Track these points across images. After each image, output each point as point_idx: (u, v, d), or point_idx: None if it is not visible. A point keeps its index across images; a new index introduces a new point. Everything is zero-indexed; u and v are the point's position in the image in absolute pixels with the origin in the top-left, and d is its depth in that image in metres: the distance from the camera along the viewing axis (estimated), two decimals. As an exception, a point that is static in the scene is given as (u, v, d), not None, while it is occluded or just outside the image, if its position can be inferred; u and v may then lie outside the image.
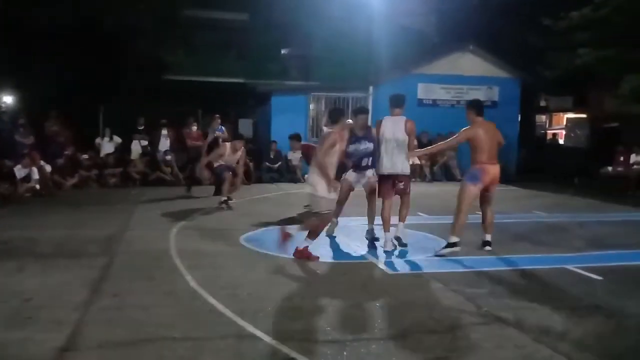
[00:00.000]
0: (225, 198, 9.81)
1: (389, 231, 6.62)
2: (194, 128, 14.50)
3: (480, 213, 6.78)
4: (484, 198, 6.67)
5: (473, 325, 4.20)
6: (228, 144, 10.28)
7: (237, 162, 10.16)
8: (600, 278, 5.55)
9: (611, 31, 14.08)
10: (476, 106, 6.90)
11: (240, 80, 17.31)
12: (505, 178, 15.54)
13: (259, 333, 3.90)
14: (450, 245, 6.37)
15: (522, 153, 17.75)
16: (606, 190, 12.95)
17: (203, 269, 5.60)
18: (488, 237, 6.73)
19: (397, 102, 7.01)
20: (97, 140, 14.21)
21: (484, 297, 4.85)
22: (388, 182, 6.68)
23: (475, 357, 3.61)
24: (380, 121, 6.97)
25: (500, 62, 17.11)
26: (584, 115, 19.65)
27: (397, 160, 6.60)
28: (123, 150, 13.97)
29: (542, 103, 21.77)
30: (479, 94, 17.00)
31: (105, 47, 15.40)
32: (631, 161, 13.76)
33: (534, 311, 4.52)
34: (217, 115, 14.22)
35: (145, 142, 14.08)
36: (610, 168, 14.52)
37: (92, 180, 12.83)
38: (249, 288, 4.98)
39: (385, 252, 6.55)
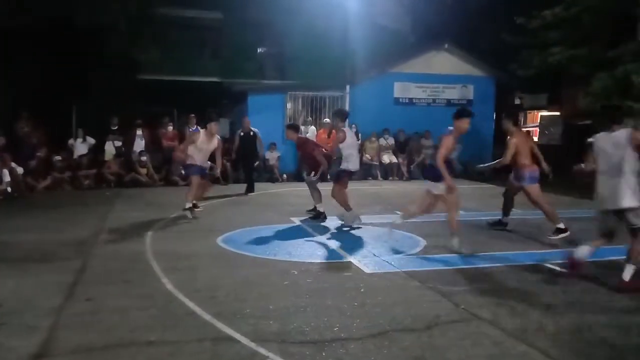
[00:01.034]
0: (190, 205, 8.81)
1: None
2: (170, 128, 14.38)
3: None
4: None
5: (450, 323, 4.22)
6: (202, 131, 9.18)
7: (214, 153, 9.29)
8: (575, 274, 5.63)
9: (582, 30, 14.33)
10: (513, 117, 8.59)
11: (216, 80, 17.19)
12: (481, 176, 15.83)
13: (236, 335, 3.87)
14: (560, 230, 7.35)
15: (497, 151, 17.94)
16: (580, 187, 13.14)
17: (179, 271, 5.54)
18: (561, 225, 7.42)
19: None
20: (70, 141, 13.95)
21: (461, 295, 4.89)
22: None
23: (453, 354, 3.63)
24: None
25: (475, 61, 17.30)
26: (557, 113, 19.93)
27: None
28: (97, 151, 13.74)
29: (517, 101, 22.02)
30: (455, 92, 17.19)
31: (77, 46, 15.14)
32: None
33: (510, 308, 4.57)
34: (193, 115, 14.10)
35: (119, 143, 13.88)
36: (583, 165, 14.73)
37: (66, 182, 12.60)
38: (226, 290, 4.93)
39: (362, 251, 6.56)
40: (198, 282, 5.19)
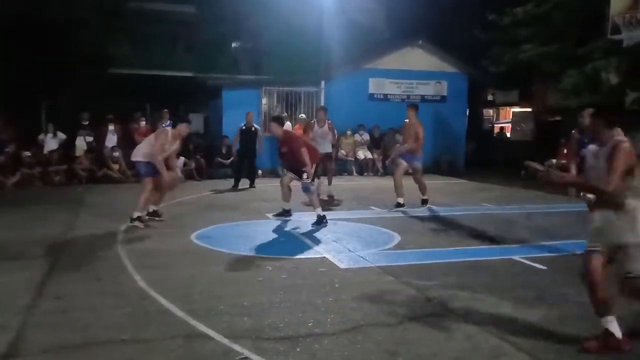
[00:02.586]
0: (140, 214, 7.72)
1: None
2: (142, 123, 14.19)
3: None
4: None
5: (423, 317, 4.26)
6: (170, 130, 8.05)
7: (170, 157, 7.99)
8: (544, 268, 5.75)
9: (552, 27, 14.58)
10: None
11: (190, 74, 17.03)
12: (454, 171, 16.03)
13: (210, 332, 3.85)
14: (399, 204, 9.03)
15: (470, 147, 18.18)
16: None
17: (153, 269, 5.48)
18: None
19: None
20: (40, 136, 13.69)
21: (434, 289, 4.94)
22: None
23: (426, 349, 3.67)
24: None
25: (449, 57, 17.44)
26: (529, 109, 20.26)
27: None
28: (67, 146, 13.51)
29: (490, 97, 22.33)
30: (429, 88, 17.31)
31: (46, 39, 14.82)
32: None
33: (482, 302, 4.64)
34: (166, 110, 13.96)
35: (90, 138, 13.67)
36: (554, 160, 15.02)
37: (36, 178, 12.36)
38: (200, 287, 4.90)
39: (337, 246, 6.58)
40: (172, 279, 5.14)
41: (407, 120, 9.69)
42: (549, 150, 15.48)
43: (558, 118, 18.21)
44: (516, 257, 6.12)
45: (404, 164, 9.59)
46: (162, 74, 16.71)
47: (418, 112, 9.68)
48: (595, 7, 13.35)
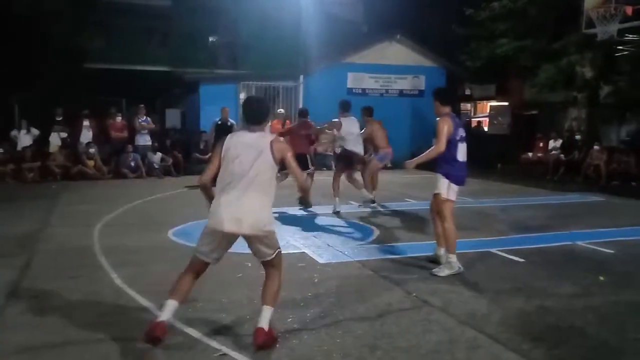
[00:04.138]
0: None
1: None
2: (118, 118, 14.01)
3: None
4: None
5: (402, 310, 4.29)
6: None
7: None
8: (522, 260, 5.82)
9: (528, 22, 14.73)
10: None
11: (166, 69, 16.81)
12: (432, 165, 16.12)
13: (188, 329, 3.82)
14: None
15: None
16: (527, 176, 13.58)
17: (129, 266, 5.41)
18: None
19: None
20: (13, 132, 13.42)
21: (413, 283, 4.97)
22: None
23: (405, 342, 3.69)
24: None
25: (426, 52, 17.53)
26: (506, 104, 20.47)
27: None
28: (41, 142, 13.26)
29: (467, 91, 22.49)
30: (407, 83, 17.39)
31: (18, 33, 14.49)
32: (549, 147, 14.48)
33: (460, 295, 4.68)
34: (142, 105, 13.78)
35: (64, 134, 13.44)
36: (530, 154, 15.24)
37: (8, 175, 12.12)
38: (178, 284, 4.84)
39: (316, 241, 6.58)
40: (149, 276, 5.08)
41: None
42: (525, 144, 15.69)
43: (534, 112, 18.44)
44: (493, 250, 6.19)
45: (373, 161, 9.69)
46: (138, 69, 16.44)
47: (373, 112, 9.98)
48: (569, 2, 13.52)
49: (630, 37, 12.40)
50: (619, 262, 5.87)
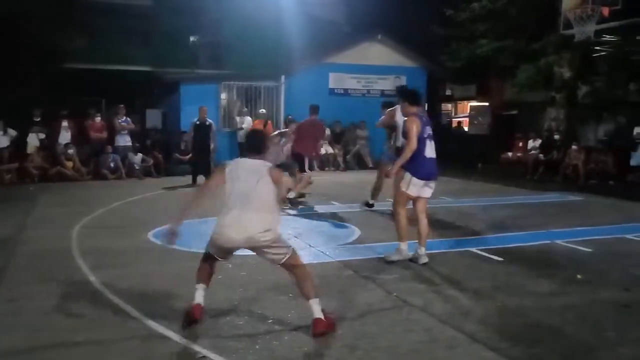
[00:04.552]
0: None
1: None
2: (97, 119, 13.85)
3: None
4: None
5: (383, 310, 4.30)
6: None
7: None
8: (501, 259, 5.87)
9: (508, 22, 14.88)
10: None
11: (147, 69, 16.65)
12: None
13: (168, 333, 3.78)
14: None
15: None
16: (507, 175, 13.71)
17: (108, 269, 5.35)
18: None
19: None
20: (-11, 133, 13.19)
21: (394, 283, 4.99)
22: None
23: (385, 342, 3.70)
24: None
25: (408, 52, 17.61)
26: (486, 104, 20.65)
27: None
28: (19, 144, 13.03)
29: (448, 92, 22.65)
30: (388, 83, 17.44)
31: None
32: (528, 147, 14.64)
33: (440, 294, 4.71)
34: (122, 106, 13.65)
35: (43, 135, 13.23)
36: (510, 154, 15.39)
37: (-15, 176, 11.92)
38: (157, 286, 4.82)
39: (298, 242, 6.57)
40: (128, 279, 5.03)
41: None
42: (505, 143, 15.85)
43: (514, 112, 18.63)
44: (473, 249, 6.24)
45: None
46: (118, 68, 16.25)
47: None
48: (548, 3, 13.69)
49: (607, 37, 12.59)
50: (596, 261, 5.95)
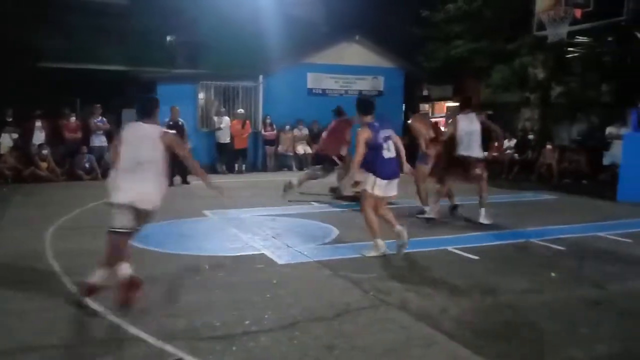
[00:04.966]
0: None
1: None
2: (72, 119, 13.65)
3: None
4: None
5: (360, 309, 4.32)
6: None
7: None
8: (477, 258, 5.93)
9: (483, 24, 15.05)
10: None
11: (123, 68, 16.45)
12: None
13: (143, 335, 3.74)
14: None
15: (406, 141, 18.49)
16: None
17: (83, 271, 5.24)
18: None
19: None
20: (-39, 134, 12.91)
21: (371, 282, 5.00)
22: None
23: (362, 341, 3.71)
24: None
25: (385, 53, 17.68)
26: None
27: None
28: (-9, 144, 12.79)
29: (425, 92, 22.80)
30: (366, 83, 17.51)
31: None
32: (504, 147, 14.82)
33: (417, 293, 4.73)
34: (98, 105, 13.47)
35: (16, 135, 12.99)
36: (486, 153, 15.53)
37: (-44, 178, 11.66)
38: (133, 287, 4.75)
39: (275, 242, 6.57)
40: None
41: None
42: (482, 143, 15.99)
43: (490, 112, 18.82)
44: (450, 248, 6.30)
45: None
46: (93, 68, 16.03)
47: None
48: (522, 4, 13.87)
49: (580, 39, 12.82)
50: (569, 259, 6.05)
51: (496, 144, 15.09)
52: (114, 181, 4.38)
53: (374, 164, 5.86)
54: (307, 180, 10.19)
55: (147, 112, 4.63)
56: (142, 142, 4.41)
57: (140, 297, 4.23)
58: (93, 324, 3.97)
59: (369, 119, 6.03)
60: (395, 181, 6.04)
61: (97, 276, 4.33)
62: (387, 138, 6.00)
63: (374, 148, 5.85)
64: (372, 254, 5.92)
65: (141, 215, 4.44)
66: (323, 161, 10.12)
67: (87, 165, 12.92)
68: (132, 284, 4.22)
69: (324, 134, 10.59)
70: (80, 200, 9.45)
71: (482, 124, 8.15)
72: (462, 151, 7.96)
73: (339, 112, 10.39)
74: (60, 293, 4.63)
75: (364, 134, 5.88)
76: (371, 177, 5.89)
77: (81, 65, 15.76)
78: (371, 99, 6.90)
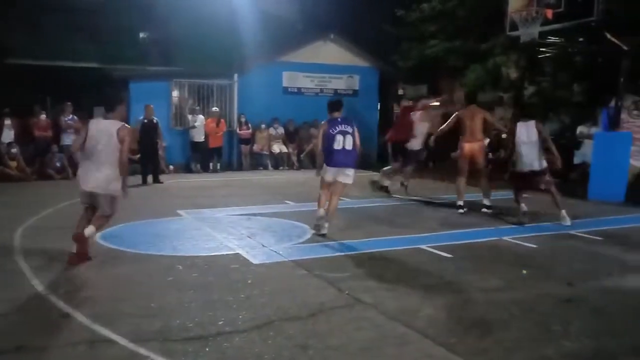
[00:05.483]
0: None
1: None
2: (43, 117, 13.39)
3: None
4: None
5: (334, 309, 4.32)
6: None
7: None
8: (450, 256, 5.99)
9: (457, 23, 15.16)
10: None
11: (95, 65, 16.18)
12: (366, 164, 16.34)
13: (115, 337, 3.68)
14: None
15: (381, 140, 18.57)
16: (457, 173, 13.97)
17: (53, 271, 5.18)
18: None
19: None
20: None
21: (346, 281, 5.01)
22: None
23: (336, 340, 3.71)
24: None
25: (360, 52, 17.73)
26: (437, 103, 20.97)
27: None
28: (-42, 143, 12.47)
29: (400, 92, 22.92)
30: (341, 82, 17.54)
31: None
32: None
33: (391, 291, 4.76)
34: (69, 103, 13.24)
35: (-16, 134, 12.71)
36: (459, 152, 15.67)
37: None
38: (105, 289, 4.70)
39: (250, 242, 6.54)
40: (74, 282, 4.88)
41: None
42: (455, 142, 16.13)
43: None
44: (423, 246, 6.34)
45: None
46: (64, 65, 15.74)
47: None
48: (496, 4, 14.01)
49: (552, 39, 12.99)
50: (540, 256, 6.15)
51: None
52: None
53: (326, 153, 6.98)
54: (396, 175, 10.71)
55: (109, 108, 5.63)
56: (101, 136, 5.38)
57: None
58: (63, 326, 3.89)
59: (335, 115, 7.08)
60: (345, 170, 6.94)
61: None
62: (342, 132, 6.94)
63: (327, 139, 6.93)
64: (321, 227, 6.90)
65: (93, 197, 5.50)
66: (399, 151, 10.60)
67: (58, 164, 12.69)
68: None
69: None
70: (52, 200, 9.27)
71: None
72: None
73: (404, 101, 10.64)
74: (29, 294, 4.54)
75: (322, 127, 7.12)
76: (324, 166, 7.01)
77: (52, 63, 15.48)
78: (337, 99, 7.83)
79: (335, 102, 7.35)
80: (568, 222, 7.72)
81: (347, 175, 6.99)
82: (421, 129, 10.57)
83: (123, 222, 7.51)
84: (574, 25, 10.53)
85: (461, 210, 8.66)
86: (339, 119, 7.07)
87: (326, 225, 6.91)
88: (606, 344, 3.79)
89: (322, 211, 6.99)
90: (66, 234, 6.72)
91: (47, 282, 4.81)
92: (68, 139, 13.22)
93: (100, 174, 5.38)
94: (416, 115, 10.59)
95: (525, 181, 8.09)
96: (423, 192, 11.18)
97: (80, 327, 3.87)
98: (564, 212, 7.83)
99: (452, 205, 9.39)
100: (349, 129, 7.00)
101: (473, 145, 9.08)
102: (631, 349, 3.72)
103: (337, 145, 6.91)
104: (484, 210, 8.75)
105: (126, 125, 5.55)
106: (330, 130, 6.94)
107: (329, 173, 6.98)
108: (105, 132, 5.40)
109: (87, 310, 4.15)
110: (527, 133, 7.83)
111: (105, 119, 5.58)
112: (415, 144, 10.48)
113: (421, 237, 6.92)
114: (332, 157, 6.96)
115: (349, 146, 6.94)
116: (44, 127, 13.24)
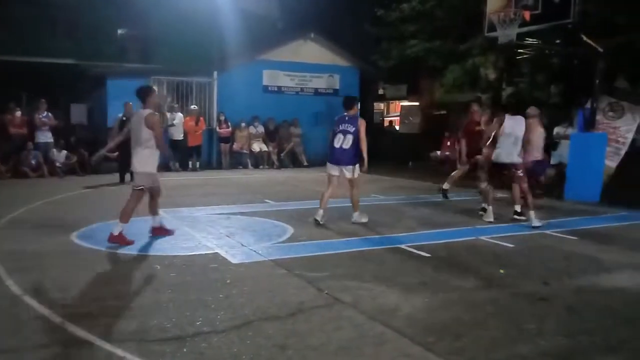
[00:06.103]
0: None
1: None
2: (18, 114, 13.15)
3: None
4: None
5: (314, 308, 4.31)
6: None
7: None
8: (428, 255, 6.02)
9: (436, 24, 15.26)
10: None
11: (72, 62, 15.95)
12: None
13: (90, 337, 3.63)
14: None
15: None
16: (436, 173, 14.10)
17: (27, 272, 5.08)
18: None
19: None
20: None
21: (325, 280, 5.01)
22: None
23: (315, 340, 3.71)
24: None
25: (341, 51, 17.78)
26: (417, 103, 21.13)
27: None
28: None
29: (380, 91, 23.02)
30: (322, 81, 17.56)
31: None
32: (456, 146, 15.08)
33: (370, 290, 4.77)
34: (43, 100, 13.03)
35: (-43, 131, 12.45)
36: (439, 152, 15.84)
37: None
38: (80, 290, 4.62)
39: (230, 241, 6.50)
40: (48, 282, 4.80)
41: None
42: (434, 142, 16.29)
43: (443, 112, 19.17)
44: (402, 246, 6.37)
45: None
46: (40, 61, 15.49)
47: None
48: (474, 5, 14.13)
49: (530, 41, 13.15)
50: (517, 256, 6.22)
51: (448, 143, 15.48)
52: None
53: (329, 149, 7.57)
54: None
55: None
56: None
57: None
58: (37, 327, 3.82)
59: (349, 112, 7.50)
60: (342, 167, 7.43)
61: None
62: (343, 131, 7.33)
63: (332, 136, 7.45)
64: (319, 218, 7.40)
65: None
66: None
67: (33, 162, 12.49)
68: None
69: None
70: (26, 198, 9.12)
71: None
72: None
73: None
74: (3, 295, 4.45)
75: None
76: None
77: (27, 58, 15.22)
78: (348, 96, 8.04)
79: (345, 100, 7.68)
80: (536, 223, 7.63)
81: (348, 172, 7.46)
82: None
83: (99, 221, 7.44)
84: (551, 27, 10.66)
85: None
86: (347, 117, 7.47)
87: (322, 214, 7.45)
88: (581, 342, 3.84)
89: (321, 212, 7.39)
90: (42, 234, 6.65)
91: (21, 283, 4.72)
92: (42, 137, 13.05)
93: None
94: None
95: (501, 173, 8.16)
96: (401, 191, 11.24)
97: (54, 328, 3.80)
98: (532, 213, 7.74)
99: (430, 205, 9.46)
100: (351, 129, 7.34)
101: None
102: (605, 348, 3.78)
103: (337, 143, 7.38)
104: (515, 217, 8.32)
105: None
106: (335, 128, 7.47)
107: (329, 167, 7.56)
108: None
109: (62, 310, 4.09)
110: (513, 127, 7.90)
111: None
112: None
113: (400, 236, 6.96)
114: (331, 154, 7.51)
115: (346, 145, 7.33)
116: (19, 124, 13.03)
